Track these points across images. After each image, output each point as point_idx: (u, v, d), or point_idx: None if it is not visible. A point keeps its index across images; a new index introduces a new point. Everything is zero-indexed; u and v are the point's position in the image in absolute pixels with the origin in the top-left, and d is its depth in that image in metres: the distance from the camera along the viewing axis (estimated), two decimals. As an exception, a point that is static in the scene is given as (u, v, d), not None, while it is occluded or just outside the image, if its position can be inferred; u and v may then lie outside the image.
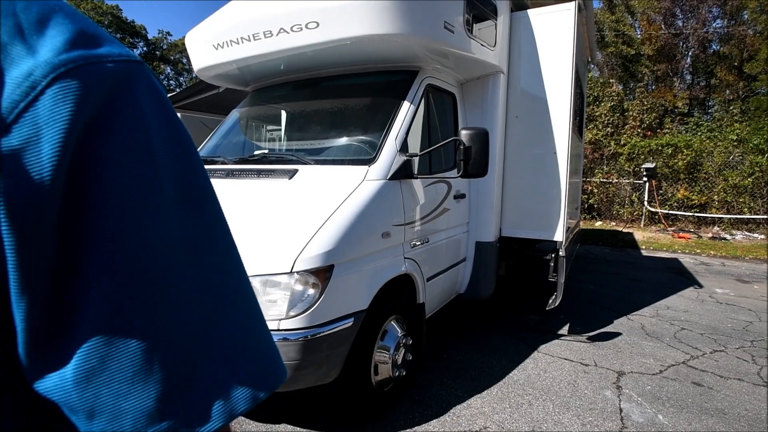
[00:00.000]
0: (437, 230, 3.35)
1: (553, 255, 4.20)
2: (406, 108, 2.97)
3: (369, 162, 2.69)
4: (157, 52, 30.98)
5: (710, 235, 10.97)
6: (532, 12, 3.95)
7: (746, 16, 34.49)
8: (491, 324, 4.53)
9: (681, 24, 34.87)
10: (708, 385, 3.34)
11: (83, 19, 0.35)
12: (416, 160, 2.88)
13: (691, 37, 34.94)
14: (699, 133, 13.69)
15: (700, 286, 6.40)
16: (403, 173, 2.78)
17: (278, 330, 2.11)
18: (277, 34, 2.95)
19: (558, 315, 4.84)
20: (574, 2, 3.74)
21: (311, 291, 2.15)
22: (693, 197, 11.53)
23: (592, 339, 4.24)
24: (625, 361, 3.72)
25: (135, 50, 29.12)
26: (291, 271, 2.11)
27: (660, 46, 32.11)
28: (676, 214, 11.92)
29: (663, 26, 33.47)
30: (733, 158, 11.11)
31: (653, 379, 3.42)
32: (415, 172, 2.86)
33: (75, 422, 0.33)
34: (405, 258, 2.87)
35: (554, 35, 3.86)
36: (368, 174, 2.62)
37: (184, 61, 34.72)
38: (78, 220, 0.31)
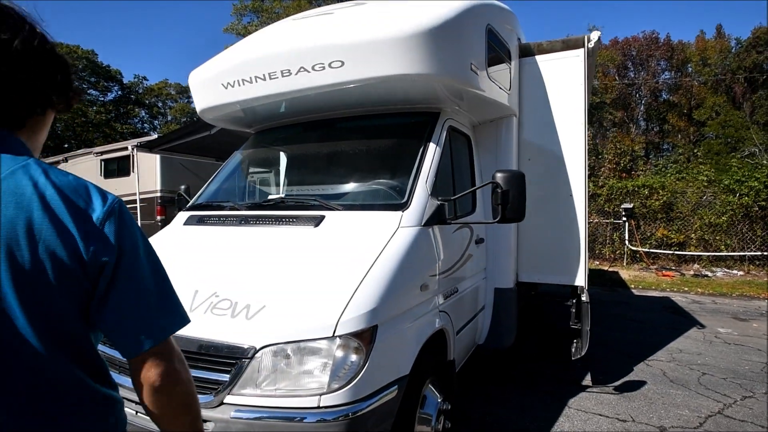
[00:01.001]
0: (464, 278, 3.13)
1: (574, 301, 4.02)
2: (432, 150, 2.83)
3: (401, 207, 2.48)
4: (132, 96, 30.68)
5: (692, 272, 11.18)
6: (540, 58, 3.99)
7: (690, 69, 37.75)
8: (510, 375, 4.24)
9: (633, 75, 37.81)
10: (754, 438, 3.14)
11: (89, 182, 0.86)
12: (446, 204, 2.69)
13: (643, 87, 37.79)
14: (668, 175, 14.33)
15: (702, 326, 6.34)
16: (436, 219, 2.59)
17: (317, 408, 1.78)
18: (296, 73, 2.79)
19: (575, 363, 4.60)
20: (582, 49, 3.81)
21: (354, 357, 1.85)
22: (672, 236, 11.85)
23: (618, 390, 4.00)
24: (662, 415, 3.49)
25: (109, 94, 28.77)
26: (333, 336, 1.81)
27: (616, 95, 34.50)
28: (656, 252, 12.17)
29: (617, 77, 36.14)
30: (705, 198, 11.58)
31: (697, 434, 3.19)
32: (447, 217, 2.67)
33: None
34: (439, 311, 2.62)
35: (565, 80, 3.89)
36: (402, 220, 2.41)
37: (159, 105, 34.52)
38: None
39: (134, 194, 11.16)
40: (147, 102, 32.67)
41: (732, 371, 4.48)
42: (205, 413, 1.82)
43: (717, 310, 7.46)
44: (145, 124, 33.19)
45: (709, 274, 10.94)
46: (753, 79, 33.43)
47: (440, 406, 2.48)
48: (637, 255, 12.36)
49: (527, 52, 4.08)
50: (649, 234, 12.32)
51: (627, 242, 12.43)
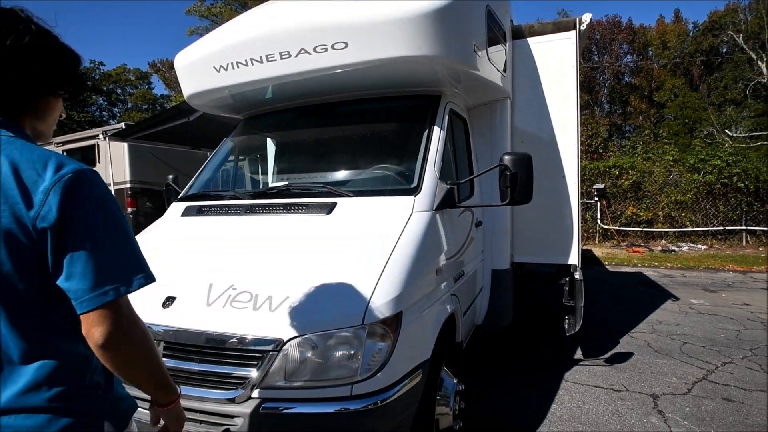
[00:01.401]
0: (468, 261, 3.15)
1: (567, 279, 4.14)
2: (437, 134, 2.80)
3: (413, 192, 2.45)
4: (89, 82, 28.93)
5: (660, 248, 11.75)
6: (531, 40, 4.00)
7: (651, 52, 39.04)
8: (507, 353, 4.35)
9: (597, 59, 38.77)
10: (738, 400, 3.35)
11: (60, 155, 0.93)
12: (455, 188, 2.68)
13: (606, 70, 38.83)
14: (635, 155, 14.88)
15: (676, 298, 6.69)
16: (446, 203, 2.57)
17: (350, 397, 1.76)
18: (296, 55, 2.68)
19: (569, 339, 4.77)
20: (574, 31, 3.84)
21: (382, 344, 1.84)
22: (641, 213, 12.37)
23: (609, 362, 4.18)
24: (652, 383, 3.67)
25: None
26: (362, 324, 1.79)
27: (582, 79, 35.33)
28: (626, 230, 12.69)
29: (582, 61, 37.00)
30: (672, 177, 12.12)
31: (687, 399, 3.37)
32: (457, 201, 2.66)
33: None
34: (451, 295, 2.63)
35: (556, 62, 3.92)
36: (415, 205, 2.38)
37: (118, 91, 32.78)
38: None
39: (102, 186, 10.63)
40: (105, 88, 30.93)
41: (710, 339, 4.76)
42: (232, 409, 1.77)
43: (687, 283, 7.88)
44: (104, 112, 31.50)
45: (676, 249, 11.53)
46: (709, 62, 34.87)
47: (456, 387, 2.51)
48: (608, 233, 12.86)
49: (519, 34, 4.08)
50: (619, 212, 12.82)
51: (599, 221, 12.90)
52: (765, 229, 11.10)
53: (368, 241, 2.15)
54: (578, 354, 4.38)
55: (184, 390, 1.82)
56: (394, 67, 2.68)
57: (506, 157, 2.57)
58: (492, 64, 3.24)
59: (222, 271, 2.09)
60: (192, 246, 2.41)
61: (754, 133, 20.57)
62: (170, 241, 2.55)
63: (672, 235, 12.18)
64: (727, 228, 11.47)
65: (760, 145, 18.50)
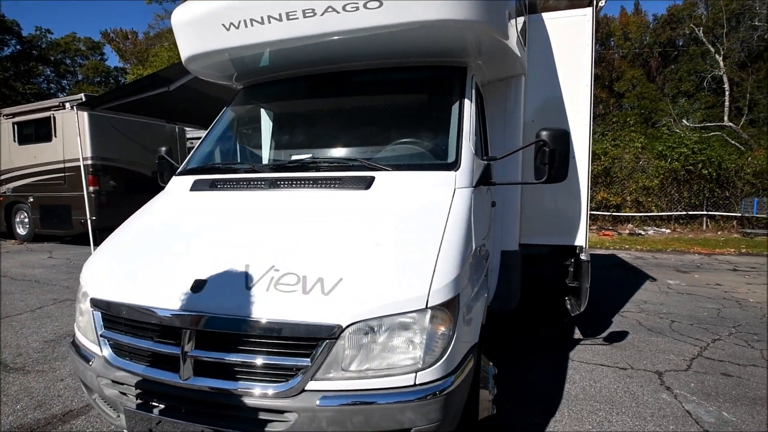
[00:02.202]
0: (488, 242, 3.06)
1: (572, 260, 4.15)
2: (469, 107, 2.64)
3: (452, 167, 2.30)
4: (34, 52, 26.44)
5: (627, 231, 12.27)
6: (546, 15, 3.89)
7: (613, 42, 40.27)
8: (511, 335, 4.35)
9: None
10: (736, 375, 3.49)
11: None
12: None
13: (571, 59, 39.73)
14: (605, 142, 15.37)
15: (654, 279, 6.98)
16: (483, 179, 2.45)
17: (414, 386, 1.62)
18: (322, 14, 2.42)
19: (562, 319, 4.85)
20: (590, 8, 3.75)
21: (443, 329, 1.70)
22: (610, 198, 12.83)
23: (608, 340, 4.27)
24: (653, 360, 3.77)
25: (6, 49, 24.40)
26: (426, 307, 1.64)
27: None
28: (596, 214, 13.15)
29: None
30: (641, 163, 12.61)
31: (689, 375, 3.48)
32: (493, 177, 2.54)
33: None
34: (484, 276, 2.53)
35: (571, 40, 3.84)
36: (457, 181, 2.23)
37: (68, 62, 30.26)
38: None
39: (59, 162, 9.78)
40: (52, 59, 28.42)
41: (695, 318, 4.97)
42: (282, 403, 1.59)
43: (659, 264, 8.25)
44: (52, 84, 29.02)
45: (642, 232, 12.08)
46: (667, 54, 36.38)
47: (492, 371, 2.43)
48: (580, 217, 13.28)
49: (532, 8, 3.95)
50: (590, 197, 13.24)
51: (571, 205, 13.28)
52: (724, 214, 11.81)
53: (417, 219, 1.99)
54: (577, 334, 4.45)
55: (221, 384, 1.63)
56: (429, 32, 2.49)
57: (544, 133, 2.45)
58: (518, 36, 3.10)
59: (257, 251, 1.87)
60: (213, 223, 2.15)
61: (707, 124, 21.73)
62: (184, 218, 2.28)
63: (638, 220, 12.74)
64: (689, 213, 12.11)
65: (712, 135, 19.59)
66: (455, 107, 2.66)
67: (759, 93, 24.90)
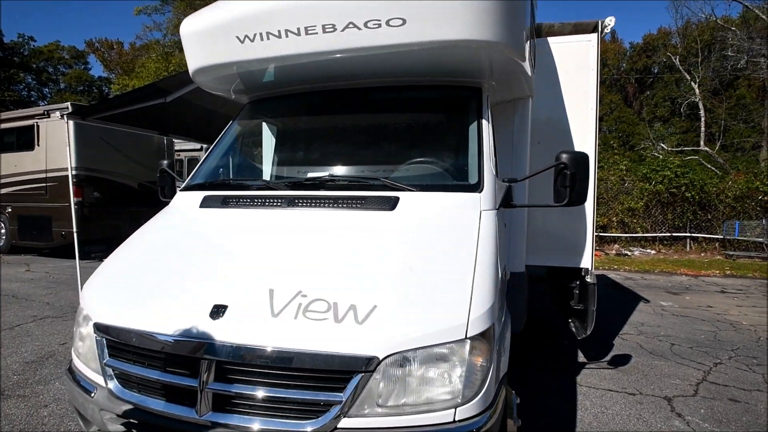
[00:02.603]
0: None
1: (577, 282, 4.12)
2: (487, 128, 2.61)
3: (475, 189, 2.24)
4: (16, 59, 25.81)
5: (614, 251, 12.44)
6: (552, 40, 3.94)
7: (593, 68, 41.62)
8: (515, 357, 4.26)
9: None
10: (743, 400, 3.48)
11: None
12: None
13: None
14: (590, 163, 15.69)
15: (647, 300, 7.02)
16: (505, 202, 2.40)
17: (453, 422, 1.52)
18: (342, 30, 2.37)
19: (563, 341, 4.81)
20: (596, 34, 3.82)
21: (481, 361, 1.61)
22: (597, 219, 13.03)
23: (612, 364, 4.23)
24: (660, 386, 3.73)
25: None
26: (465, 337, 1.55)
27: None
28: (583, 234, 13.32)
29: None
30: (626, 185, 12.89)
31: (698, 401, 3.45)
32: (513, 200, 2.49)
33: None
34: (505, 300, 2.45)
35: (576, 64, 3.89)
36: (482, 203, 2.18)
37: (50, 70, 29.64)
38: None
39: (41, 172, 9.43)
40: (34, 66, 27.79)
41: (693, 341, 4.98)
42: (312, 442, 1.46)
43: (649, 285, 8.34)
44: (33, 92, 28.32)
45: (628, 253, 12.26)
46: (643, 80, 37.80)
47: (516, 401, 2.33)
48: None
49: (538, 32, 4.00)
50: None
51: (559, 225, 13.45)
52: (707, 236, 12.10)
53: (446, 243, 1.91)
54: (580, 356, 4.40)
55: (243, 422, 1.49)
56: (449, 51, 2.46)
57: (564, 156, 2.43)
58: (531, 57, 3.11)
59: (280, 274, 1.76)
60: (228, 243, 2.03)
61: (684, 148, 22.49)
62: (195, 237, 2.15)
63: (624, 240, 12.95)
64: (673, 234, 12.37)
65: (689, 159, 20.28)
66: (473, 127, 2.63)
67: (731, 119, 26.01)
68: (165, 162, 3.07)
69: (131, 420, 1.63)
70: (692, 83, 22.33)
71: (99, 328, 1.79)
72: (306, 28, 2.43)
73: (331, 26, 2.39)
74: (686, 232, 12.29)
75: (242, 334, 1.56)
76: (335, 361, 1.48)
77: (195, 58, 2.84)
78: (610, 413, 3.23)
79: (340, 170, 2.79)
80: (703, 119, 22.78)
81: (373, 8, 2.31)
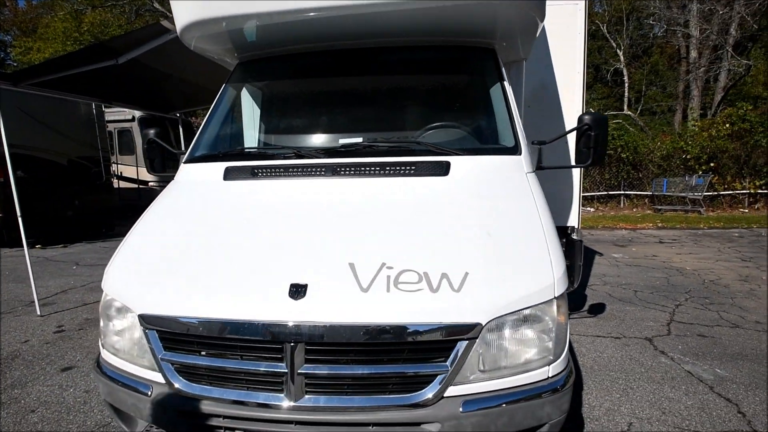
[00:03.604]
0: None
1: (564, 240, 4.35)
2: (510, 90, 2.60)
3: (515, 151, 2.24)
4: None
5: (559, 211, 13.33)
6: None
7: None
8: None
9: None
10: (709, 335, 3.95)
11: None
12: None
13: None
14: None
15: (600, 253, 7.64)
16: (538, 164, 2.42)
17: (548, 379, 1.56)
18: (370, -15, 2.19)
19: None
20: (583, 1, 3.89)
21: (564, 319, 1.65)
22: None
23: (592, 312, 4.59)
24: (637, 328, 4.12)
25: None
26: (554, 298, 1.58)
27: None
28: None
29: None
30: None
31: (673, 339, 3.86)
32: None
33: None
34: None
35: (566, 27, 3.95)
36: (524, 165, 2.18)
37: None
38: None
39: (-54, 150, 8.03)
40: None
41: (651, 287, 5.53)
42: (423, 413, 1.43)
43: (598, 240, 9.07)
44: None
45: (572, 211, 13.19)
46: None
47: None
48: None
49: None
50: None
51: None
52: (638, 193, 13.30)
53: (508, 206, 1.90)
54: (562, 309, 4.72)
55: (344, 402, 1.43)
56: (472, 9, 2.36)
57: (587, 118, 2.48)
58: (537, 19, 3.10)
59: (353, 247, 1.65)
60: (280, 217, 1.86)
61: (610, 112, 24.20)
62: (236, 212, 1.95)
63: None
64: (609, 193, 13.45)
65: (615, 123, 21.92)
66: (496, 89, 2.60)
67: (650, 85, 28.32)
68: (151, 131, 2.73)
69: (211, 414, 1.49)
70: (617, 50, 23.79)
71: (147, 320, 1.58)
72: (329, -22, 2.21)
73: (356, -21, 2.19)
74: (620, 190, 13.42)
75: (332, 313, 1.46)
76: (438, 331, 1.44)
77: (187, 11, 2.49)
78: (606, 356, 3.52)
79: (361, 135, 2.64)
80: (627, 85, 24.53)
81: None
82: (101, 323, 1.78)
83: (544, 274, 1.59)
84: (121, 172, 12.67)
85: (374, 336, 1.43)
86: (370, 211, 1.84)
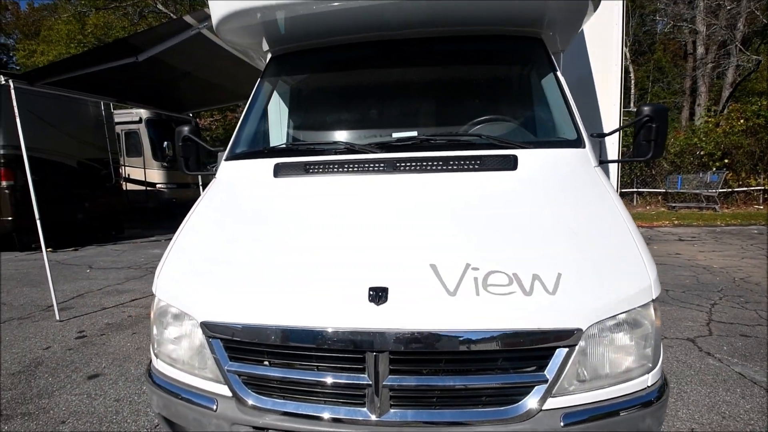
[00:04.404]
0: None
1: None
2: (563, 80, 2.48)
3: (579, 144, 2.11)
4: None
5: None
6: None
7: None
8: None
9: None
10: (752, 335, 3.82)
11: None
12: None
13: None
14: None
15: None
16: (599, 158, 2.30)
17: (648, 388, 1.43)
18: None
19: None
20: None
21: (659, 324, 1.52)
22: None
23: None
24: (677, 328, 3.99)
25: None
26: (653, 299, 1.46)
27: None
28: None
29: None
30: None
31: (716, 339, 3.73)
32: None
33: None
34: None
35: (602, 20, 3.82)
36: (590, 159, 2.06)
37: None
38: None
39: (-45, 151, 7.94)
40: None
41: (682, 285, 5.40)
42: (518, 428, 1.31)
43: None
44: None
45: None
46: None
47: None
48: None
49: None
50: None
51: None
52: (651, 190, 13.16)
53: (586, 202, 1.78)
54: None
55: (433, 417, 1.31)
56: None
57: (647, 109, 2.35)
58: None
59: (432, 248, 1.52)
60: (347, 216, 1.73)
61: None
62: (296, 211, 1.82)
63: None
64: (622, 191, 13.30)
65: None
66: (549, 80, 2.48)
67: (656, 81, 28.19)
68: (186, 128, 2.61)
69: (287, 431, 1.36)
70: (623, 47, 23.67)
71: (211, 328, 1.46)
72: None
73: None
74: (633, 188, 13.28)
75: (418, 319, 1.33)
76: (537, 338, 1.32)
77: (226, 3, 2.37)
78: (652, 359, 3.39)
79: (412, 130, 2.51)
80: (633, 81, 24.38)
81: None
82: (154, 331, 1.66)
83: (640, 275, 1.47)
84: (128, 174, 12.55)
85: (466, 343, 1.31)
86: (440, 209, 1.72)
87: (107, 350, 3.72)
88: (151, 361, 1.74)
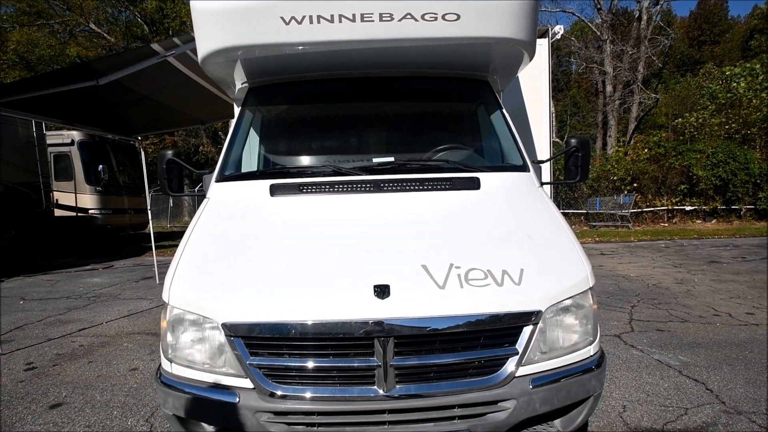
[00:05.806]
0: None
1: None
2: (508, 117, 2.97)
3: (524, 169, 2.58)
4: None
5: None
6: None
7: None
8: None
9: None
10: (665, 330, 4.52)
11: None
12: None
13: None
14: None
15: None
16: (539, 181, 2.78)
17: (592, 357, 1.84)
18: (399, 19, 2.46)
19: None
20: (546, 38, 4.48)
21: (596, 307, 1.95)
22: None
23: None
24: (605, 327, 4.61)
25: None
26: (589, 288, 1.88)
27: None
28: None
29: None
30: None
31: (638, 335, 4.38)
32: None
33: None
34: None
35: (532, 64, 4.49)
36: (534, 181, 2.53)
37: None
38: None
39: None
40: None
41: (606, 292, 6.16)
42: (499, 392, 1.64)
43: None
44: None
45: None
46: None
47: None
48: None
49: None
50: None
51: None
52: (575, 211, 14.57)
53: (536, 213, 2.21)
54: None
55: (431, 388, 1.61)
56: (486, 47, 2.72)
57: (574, 141, 2.90)
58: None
59: (421, 251, 1.85)
60: (343, 228, 2.01)
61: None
62: (296, 224, 2.07)
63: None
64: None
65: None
66: (497, 116, 2.95)
67: (572, 115, 31.40)
68: (170, 152, 2.77)
69: (307, 412, 1.58)
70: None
71: (232, 328, 1.66)
72: (363, 14, 2.45)
73: (388, 15, 2.45)
74: (559, 210, 14.62)
75: (417, 309, 1.64)
76: (509, 319, 1.67)
77: (216, 37, 2.60)
78: (588, 353, 3.91)
79: (376, 157, 2.86)
80: (553, 115, 27.02)
81: (432, 1, 2.45)
82: (168, 338, 1.80)
83: (580, 268, 1.89)
84: (57, 200, 11.68)
85: (455, 326, 1.63)
86: (422, 220, 2.06)
87: (64, 380, 3.57)
88: (160, 367, 1.86)
